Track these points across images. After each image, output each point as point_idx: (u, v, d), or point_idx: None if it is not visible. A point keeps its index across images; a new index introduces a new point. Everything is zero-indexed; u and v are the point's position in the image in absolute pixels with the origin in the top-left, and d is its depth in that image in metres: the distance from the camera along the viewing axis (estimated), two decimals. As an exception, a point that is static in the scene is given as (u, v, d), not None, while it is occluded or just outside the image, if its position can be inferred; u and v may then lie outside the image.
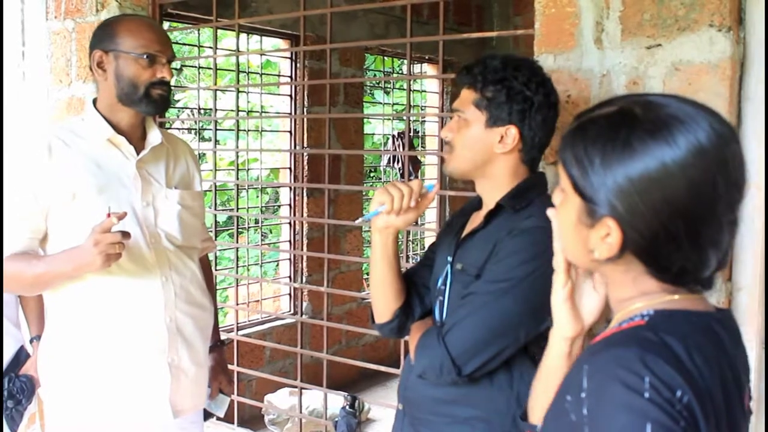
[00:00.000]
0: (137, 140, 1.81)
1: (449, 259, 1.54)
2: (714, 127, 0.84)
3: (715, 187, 0.83)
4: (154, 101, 1.76)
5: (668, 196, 0.82)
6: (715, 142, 0.83)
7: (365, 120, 5.76)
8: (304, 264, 4.50)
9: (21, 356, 2.20)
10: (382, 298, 1.57)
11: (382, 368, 2.83)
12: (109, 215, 1.57)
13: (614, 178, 0.84)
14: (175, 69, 1.83)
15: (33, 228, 1.71)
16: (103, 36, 1.77)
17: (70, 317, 1.75)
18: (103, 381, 1.74)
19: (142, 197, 1.78)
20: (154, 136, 1.83)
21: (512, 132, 1.44)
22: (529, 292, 1.36)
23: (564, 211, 0.93)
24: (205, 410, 2.03)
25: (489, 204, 1.50)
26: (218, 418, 2.20)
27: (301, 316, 4.31)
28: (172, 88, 1.80)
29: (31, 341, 2.20)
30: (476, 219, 1.55)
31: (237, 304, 3.33)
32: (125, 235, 1.58)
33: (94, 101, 1.82)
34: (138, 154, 1.79)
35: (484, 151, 1.46)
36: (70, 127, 1.80)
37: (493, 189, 1.49)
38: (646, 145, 0.83)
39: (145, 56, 1.72)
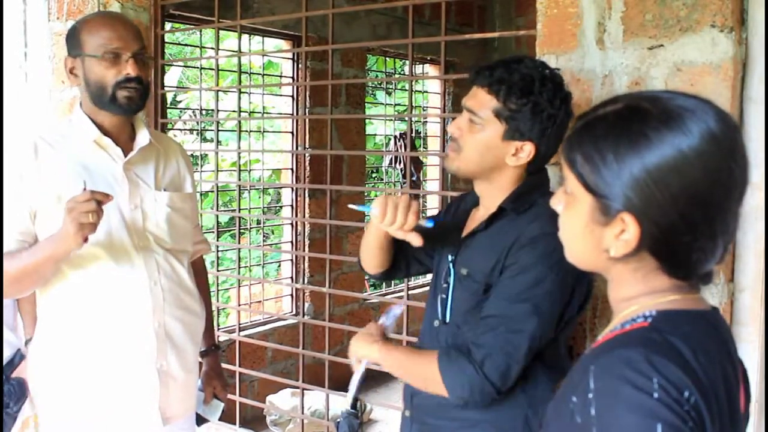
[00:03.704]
0: (125, 141, 1.77)
1: (450, 258, 1.53)
2: (720, 115, 0.85)
3: (731, 174, 0.84)
4: (120, 104, 1.69)
5: (686, 184, 0.82)
6: (725, 130, 0.84)
7: (367, 121, 5.76)
8: (306, 265, 4.50)
9: (15, 359, 2.19)
10: (370, 258, 1.66)
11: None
12: (84, 189, 1.54)
13: (630, 170, 0.84)
14: (148, 60, 1.75)
15: (21, 230, 1.68)
16: (71, 41, 1.74)
17: (56, 323, 1.73)
18: (91, 387, 1.72)
19: (130, 200, 1.74)
20: (143, 137, 1.78)
21: (528, 148, 1.41)
22: (549, 305, 1.36)
23: (572, 213, 0.92)
24: (199, 416, 2.01)
25: (488, 206, 1.49)
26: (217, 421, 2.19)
27: (303, 316, 4.31)
28: (145, 83, 1.71)
29: (26, 343, 2.20)
30: (475, 217, 1.54)
31: (239, 305, 3.33)
32: (102, 201, 1.52)
33: (82, 103, 1.79)
34: (126, 155, 1.75)
35: (494, 159, 1.43)
36: (58, 129, 1.77)
37: (494, 192, 1.48)
38: (662, 135, 0.83)
39: (106, 55, 1.67)
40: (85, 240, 1.54)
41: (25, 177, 1.67)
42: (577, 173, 0.89)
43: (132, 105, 1.71)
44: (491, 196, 1.48)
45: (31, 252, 1.63)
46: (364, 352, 1.56)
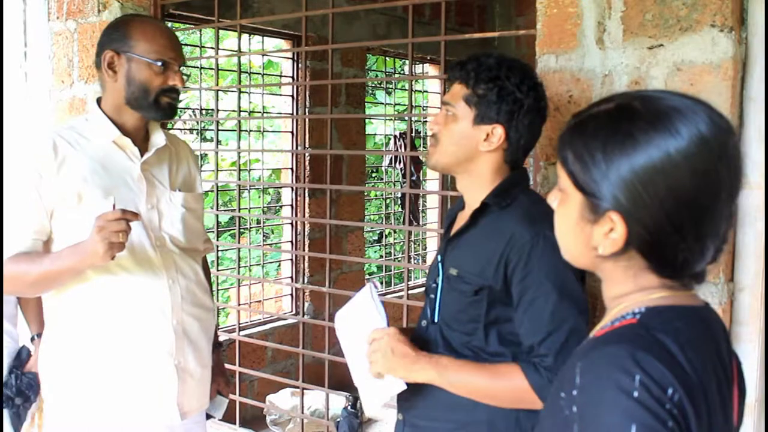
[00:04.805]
0: (140, 142, 1.80)
1: (439, 258, 1.55)
2: (712, 117, 0.85)
3: (718, 176, 0.84)
4: (162, 108, 1.75)
5: (672, 186, 0.83)
6: (715, 132, 0.84)
7: (367, 120, 5.76)
8: (306, 264, 4.50)
9: (22, 354, 2.21)
10: None
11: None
12: (114, 206, 1.56)
13: (617, 171, 0.84)
14: (186, 75, 1.83)
15: (37, 229, 1.68)
16: (116, 36, 1.74)
17: (76, 320, 1.74)
18: (111, 384, 1.73)
19: (147, 200, 1.76)
20: (158, 137, 1.82)
21: (498, 131, 1.45)
22: (580, 294, 1.39)
23: (564, 210, 0.94)
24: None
25: (470, 202, 1.51)
26: (219, 419, 2.20)
27: (303, 316, 4.31)
28: (181, 93, 1.80)
29: (32, 339, 2.20)
30: (461, 218, 1.56)
31: (239, 305, 3.34)
32: (131, 219, 1.55)
33: (98, 101, 1.80)
34: (142, 155, 1.77)
35: (468, 147, 1.47)
36: (74, 128, 1.77)
37: (474, 186, 1.50)
38: (650, 137, 0.83)
39: (159, 62, 1.71)
40: (113, 258, 1.56)
41: (43, 175, 1.67)
42: (568, 171, 0.90)
43: (171, 111, 1.78)
44: (473, 191, 1.50)
45: (53, 260, 1.64)
46: (410, 375, 1.44)
